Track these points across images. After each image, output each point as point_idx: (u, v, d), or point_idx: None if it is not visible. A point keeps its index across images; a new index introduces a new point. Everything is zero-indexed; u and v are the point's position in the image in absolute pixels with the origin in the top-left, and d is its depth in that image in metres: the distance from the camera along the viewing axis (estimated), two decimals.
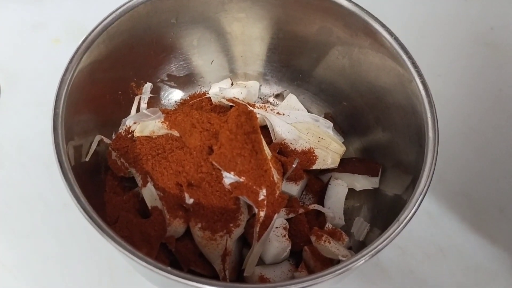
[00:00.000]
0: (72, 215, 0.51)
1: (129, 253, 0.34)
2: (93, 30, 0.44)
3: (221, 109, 0.54)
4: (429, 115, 0.41)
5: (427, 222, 0.54)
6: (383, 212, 0.48)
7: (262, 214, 0.43)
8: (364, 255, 0.35)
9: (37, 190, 0.54)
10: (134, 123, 0.49)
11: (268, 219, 0.44)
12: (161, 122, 0.47)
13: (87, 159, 0.46)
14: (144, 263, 0.34)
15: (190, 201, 0.44)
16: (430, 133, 0.41)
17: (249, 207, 0.45)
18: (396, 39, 0.44)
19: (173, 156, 0.45)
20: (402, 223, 0.37)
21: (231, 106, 0.51)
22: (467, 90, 0.63)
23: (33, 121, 0.58)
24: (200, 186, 0.44)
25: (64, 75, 0.41)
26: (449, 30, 0.68)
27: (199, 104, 0.54)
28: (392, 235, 0.36)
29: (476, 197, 0.56)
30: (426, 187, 0.38)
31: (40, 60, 0.63)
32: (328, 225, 0.48)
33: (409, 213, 0.37)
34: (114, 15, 0.45)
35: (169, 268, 0.33)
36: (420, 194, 0.38)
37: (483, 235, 0.53)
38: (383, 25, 0.45)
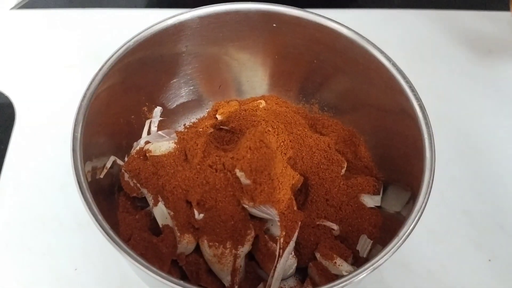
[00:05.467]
0: (85, 235, 0.52)
1: (144, 267, 0.35)
2: (109, 59, 0.45)
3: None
4: (425, 135, 0.42)
5: (430, 239, 0.54)
6: (386, 230, 0.48)
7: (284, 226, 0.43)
8: (365, 269, 0.36)
9: (52, 211, 0.54)
10: (147, 143, 0.50)
11: (290, 231, 0.44)
12: (174, 143, 0.48)
13: (101, 176, 0.47)
14: (158, 277, 0.35)
15: (200, 216, 0.44)
16: (427, 153, 0.41)
17: (255, 225, 0.46)
18: (394, 64, 0.45)
19: (182, 175, 0.45)
20: (401, 238, 0.37)
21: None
22: (467, 110, 0.64)
23: (47, 144, 0.59)
24: (209, 204, 0.44)
25: (82, 100, 0.43)
26: (449, 54, 0.70)
27: (205, 130, 0.54)
28: (391, 250, 0.37)
29: (477, 215, 0.56)
30: (424, 204, 0.39)
31: (54, 85, 0.64)
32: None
33: (408, 228, 0.38)
34: (128, 44, 0.46)
35: (181, 282, 0.34)
36: (419, 211, 0.39)
37: (484, 251, 0.53)
38: (381, 52, 0.46)
